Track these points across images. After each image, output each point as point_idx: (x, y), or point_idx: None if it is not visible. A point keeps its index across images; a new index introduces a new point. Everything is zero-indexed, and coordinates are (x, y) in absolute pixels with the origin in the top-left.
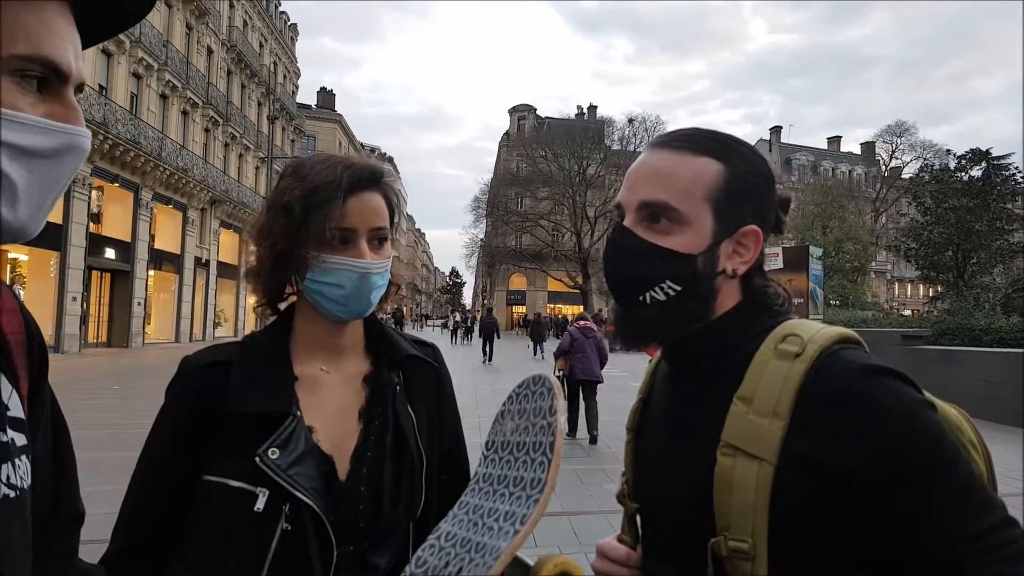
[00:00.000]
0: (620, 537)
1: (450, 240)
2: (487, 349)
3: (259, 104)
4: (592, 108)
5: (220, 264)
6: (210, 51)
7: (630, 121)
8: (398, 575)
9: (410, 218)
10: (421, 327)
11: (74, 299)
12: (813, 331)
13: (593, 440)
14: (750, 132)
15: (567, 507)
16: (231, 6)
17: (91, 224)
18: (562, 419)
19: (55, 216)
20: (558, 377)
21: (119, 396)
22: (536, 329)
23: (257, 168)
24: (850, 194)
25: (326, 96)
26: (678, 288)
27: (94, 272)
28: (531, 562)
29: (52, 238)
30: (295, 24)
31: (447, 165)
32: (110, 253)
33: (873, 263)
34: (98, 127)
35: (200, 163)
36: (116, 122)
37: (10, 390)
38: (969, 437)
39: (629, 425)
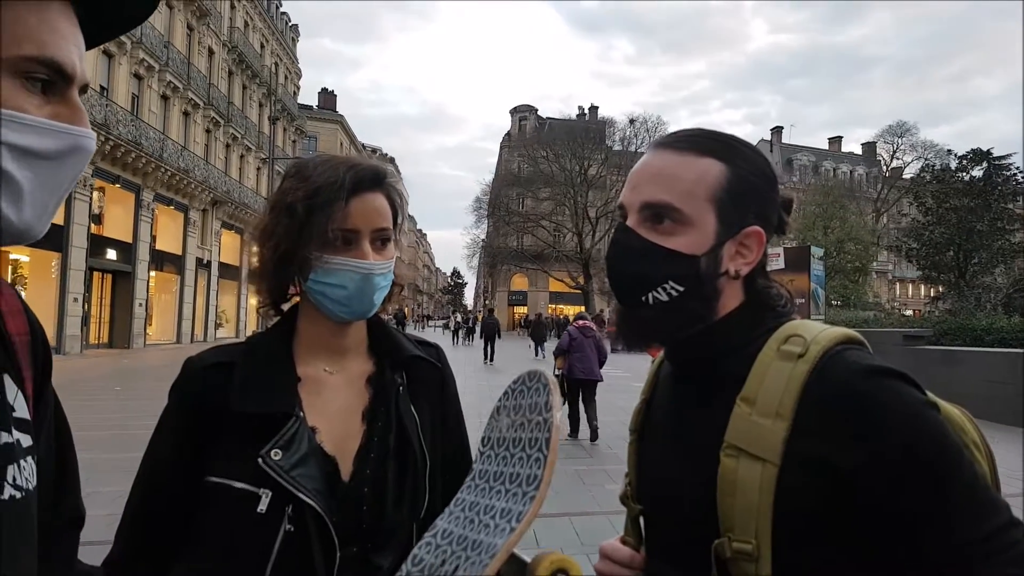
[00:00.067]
0: (623, 538)
1: (451, 240)
2: (489, 350)
3: (260, 105)
4: (593, 109)
5: (222, 265)
6: (211, 52)
7: (631, 122)
8: None
9: (412, 219)
10: (423, 328)
11: (75, 300)
12: (816, 332)
13: (594, 432)
14: (751, 132)
15: (569, 508)
16: (232, 7)
17: (92, 225)
18: (558, 415)
19: (56, 217)
20: (557, 376)
21: (120, 397)
22: (537, 330)
23: (258, 169)
24: (851, 194)
25: (327, 97)
26: (681, 289)
27: (95, 273)
28: (528, 559)
29: (54, 239)
30: (296, 25)
31: (448, 166)
32: (111, 254)
33: (874, 263)
34: (99, 128)
35: (201, 164)
36: (117, 123)
37: (15, 391)
38: (972, 437)
39: (632, 426)
